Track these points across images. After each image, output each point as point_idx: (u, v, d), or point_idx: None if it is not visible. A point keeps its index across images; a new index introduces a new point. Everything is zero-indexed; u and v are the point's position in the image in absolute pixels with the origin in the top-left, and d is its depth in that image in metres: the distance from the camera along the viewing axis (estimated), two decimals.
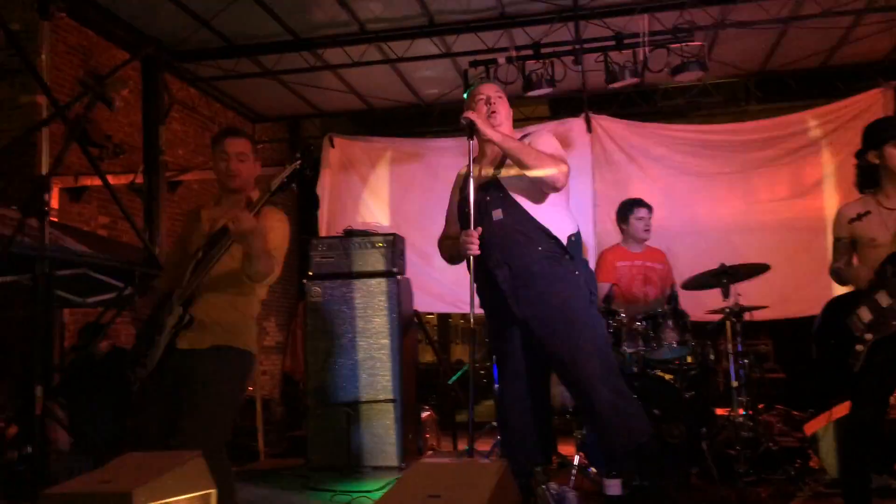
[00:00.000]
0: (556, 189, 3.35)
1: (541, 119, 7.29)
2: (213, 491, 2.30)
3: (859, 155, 3.30)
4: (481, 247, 3.38)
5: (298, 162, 2.93)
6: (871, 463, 3.26)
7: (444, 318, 10.99)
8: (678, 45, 5.48)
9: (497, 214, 3.39)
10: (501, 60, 5.74)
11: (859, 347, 3.19)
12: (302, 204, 8.11)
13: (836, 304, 3.37)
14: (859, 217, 3.26)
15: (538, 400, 3.49)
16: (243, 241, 2.84)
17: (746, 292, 5.16)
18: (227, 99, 7.12)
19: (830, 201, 6.28)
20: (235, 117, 7.46)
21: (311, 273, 5.74)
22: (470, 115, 3.36)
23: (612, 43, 5.58)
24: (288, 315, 8.06)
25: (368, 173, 7.09)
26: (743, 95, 7.44)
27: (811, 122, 6.41)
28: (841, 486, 3.28)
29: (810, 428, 4.88)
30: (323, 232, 6.95)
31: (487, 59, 5.83)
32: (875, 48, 6.16)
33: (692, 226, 6.40)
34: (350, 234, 5.76)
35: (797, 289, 6.18)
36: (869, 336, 3.17)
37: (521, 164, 3.30)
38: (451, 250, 3.63)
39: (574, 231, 3.45)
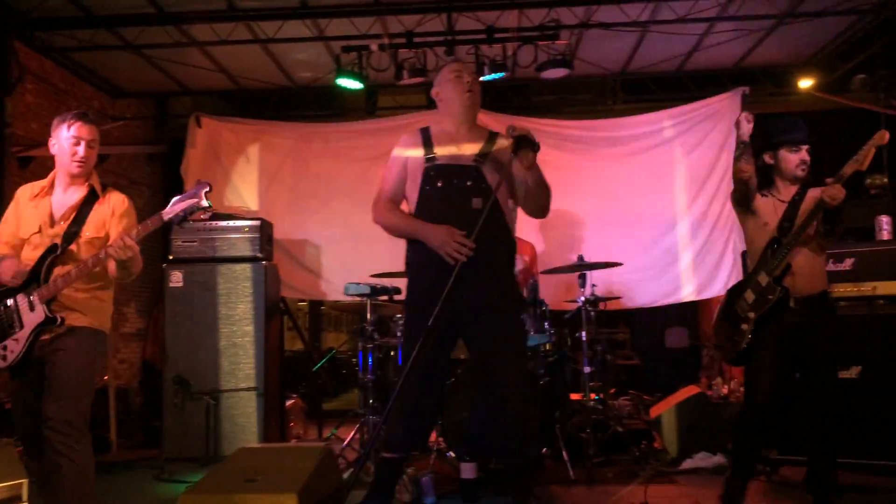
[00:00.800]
0: (542, 217, 3.58)
1: (416, 108, 7.31)
2: (24, 481, 2.22)
3: (756, 155, 3.50)
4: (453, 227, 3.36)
5: (195, 200, 2.99)
6: (765, 439, 3.52)
7: (315, 305, 10.84)
8: (545, 42, 5.65)
9: (476, 203, 3.34)
10: (374, 47, 5.73)
11: (744, 326, 3.43)
12: (165, 185, 7.80)
13: (732, 291, 3.62)
14: (763, 195, 3.51)
15: (437, 390, 3.47)
16: (123, 263, 3.02)
17: (603, 282, 5.43)
18: (85, 72, 6.72)
19: (680, 197, 6.65)
20: (94, 92, 7.06)
21: (171, 257, 5.55)
22: (524, 129, 3.19)
23: (484, 36, 5.67)
24: (149, 301, 7.74)
25: (237, 156, 6.90)
26: (610, 94, 7.76)
27: (666, 121, 6.76)
28: (731, 458, 3.53)
29: (655, 411, 5.20)
30: None
31: (360, 44, 5.79)
32: (725, 56, 6.57)
33: (554, 218, 6.62)
34: (215, 217, 5.60)
35: (648, 280, 6.53)
36: (752, 314, 3.41)
37: (537, 196, 3.39)
38: (394, 220, 3.49)
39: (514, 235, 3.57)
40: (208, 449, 5.15)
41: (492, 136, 3.49)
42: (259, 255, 5.51)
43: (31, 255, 3.12)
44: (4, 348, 3.05)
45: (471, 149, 3.42)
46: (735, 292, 3.58)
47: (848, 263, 4.31)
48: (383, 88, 7.49)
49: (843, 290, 4.30)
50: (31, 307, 3.04)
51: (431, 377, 3.33)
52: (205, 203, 3.00)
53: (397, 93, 7.56)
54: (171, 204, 3.02)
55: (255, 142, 6.93)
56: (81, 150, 3.12)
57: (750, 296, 3.45)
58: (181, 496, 2.47)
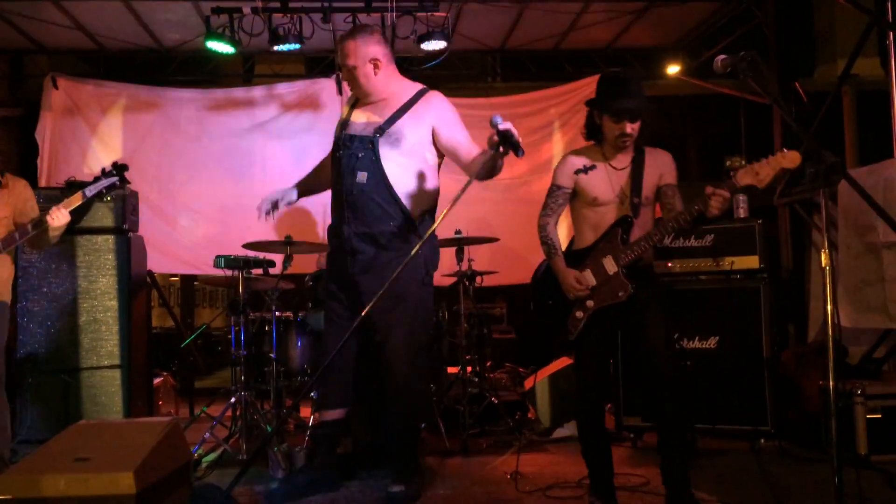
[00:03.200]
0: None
1: (294, 77, 7.09)
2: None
3: (588, 106, 3.16)
4: (337, 201, 3.55)
5: (116, 179, 3.37)
6: (602, 425, 3.19)
7: (188, 280, 10.42)
8: (424, 13, 5.59)
9: (361, 178, 3.43)
10: (246, 10, 5.48)
11: (579, 314, 3.08)
12: (21, 150, 7.23)
13: (546, 268, 3.25)
14: (585, 170, 3.13)
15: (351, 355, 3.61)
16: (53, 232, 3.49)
17: (481, 258, 5.48)
18: None
19: None
20: None
21: None
22: (511, 128, 3.09)
23: (362, 4, 5.55)
24: None
25: (98, 120, 6.48)
26: (491, 72, 7.80)
27: (546, 101, 6.91)
28: (581, 452, 3.23)
29: (529, 382, 5.32)
30: (43, 182, 6.26)
31: (232, 6, 5.52)
32: (598, 37, 6.74)
33: None
34: (73, 185, 5.20)
35: (525, 257, 6.66)
36: (591, 303, 3.06)
37: (488, 174, 3.34)
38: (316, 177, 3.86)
39: (428, 207, 3.55)
40: None
41: (402, 109, 3.51)
42: (124, 226, 5.19)
43: None
44: None
45: (374, 117, 3.51)
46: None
47: (708, 240, 4.53)
48: (260, 55, 7.22)
49: (703, 265, 4.54)
50: None
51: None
52: (115, 180, 3.37)
53: (275, 61, 7.30)
54: (92, 183, 3.40)
55: (119, 106, 6.56)
56: None
57: (589, 278, 3.06)
58: (2, 476, 2.28)
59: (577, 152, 3.23)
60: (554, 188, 3.23)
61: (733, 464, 4.05)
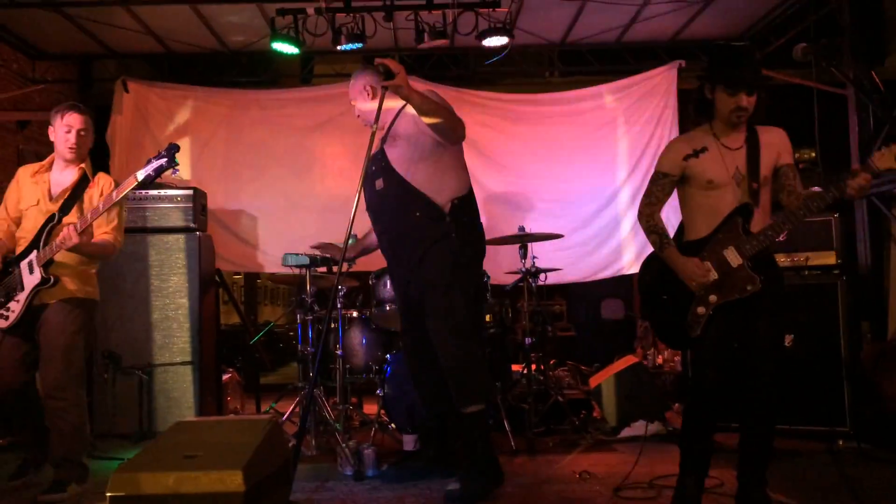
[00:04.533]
0: (461, 139, 3.51)
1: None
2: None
3: (700, 80, 2.98)
4: (371, 214, 3.72)
5: (164, 160, 3.41)
6: (713, 427, 3.01)
7: (251, 278, 10.60)
8: (485, 10, 5.56)
9: (379, 184, 3.58)
10: (310, 11, 5.53)
11: (700, 310, 2.88)
12: (92, 153, 7.43)
13: (653, 262, 3.09)
14: (696, 153, 2.92)
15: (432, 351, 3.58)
16: (75, 251, 3.51)
17: (544, 255, 5.44)
18: (2, 31, 6.32)
19: (620, 171, 6.73)
20: (12, 53, 6.65)
21: None
22: (391, 62, 3.20)
23: (423, 2, 5.55)
24: None
25: (167, 122, 6.64)
26: (548, 66, 7.73)
27: (607, 96, 6.81)
28: (679, 451, 3.05)
29: (594, 381, 5.26)
30: None
31: (296, 7, 5.58)
32: (662, 29, 6.59)
33: (497, 191, 6.62)
34: (144, 186, 5.35)
35: (588, 253, 6.61)
36: (714, 298, 2.87)
37: (432, 121, 3.32)
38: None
39: (460, 194, 3.55)
40: (141, 425, 5.01)
41: (397, 113, 3.61)
42: (192, 224, 5.32)
43: (28, 227, 3.63)
44: (8, 310, 3.54)
45: (382, 132, 3.64)
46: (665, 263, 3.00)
47: (783, 235, 4.40)
48: (319, 55, 7.30)
49: (778, 260, 4.40)
50: (31, 270, 3.52)
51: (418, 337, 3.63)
52: (164, 161, 3.39)
53: (334, 60, 7.37)
54: (145, 165, 3.41)
55: (186, 108, 6.69)
56: (75, 138, 3.66)
57: (710, 272, 2.89)
58: (113, 474, 2.33)
59: (683, 137, 3.05)
60: (659, 175, 3.01)
61: (811, 465, 3.93)
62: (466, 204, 3.58)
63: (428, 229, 3.46)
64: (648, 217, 3.01)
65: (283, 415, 4.71)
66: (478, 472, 3.42)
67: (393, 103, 3.51)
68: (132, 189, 3.43)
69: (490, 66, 6.45)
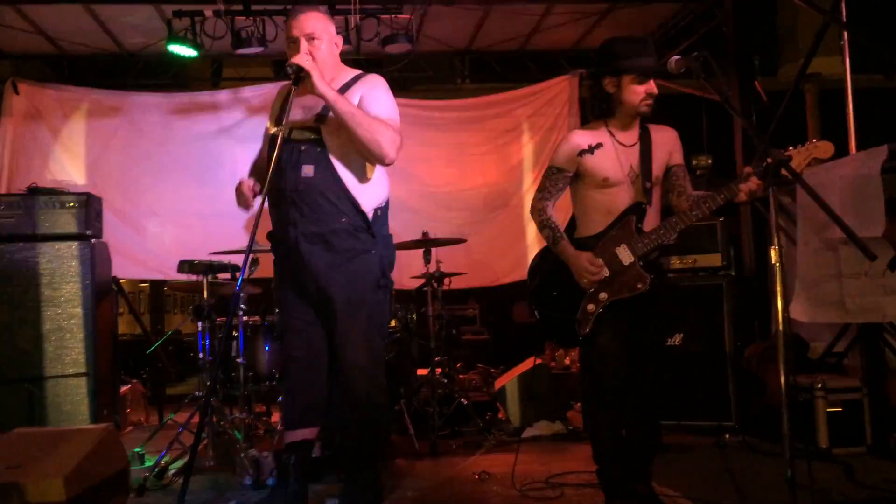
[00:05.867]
0: (384, 164, 3.13)
1: (261, 80, 7.04)
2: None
3: (594, 78, 2.95)
4: (279, 201, 3.15)
5: None
6: (622, 422, 2.95)
7: (157, 286, 10.30)
8: (388, 16, 5.59)
9: (307, 171, 3.09)
10: (209, 13, 5.44)
11: (591, 307, 2.85)
12: None
13: (547, 256, 3.05)
14: (591, 150, 2.88)
15: (320, 363, 3.29)
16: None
17: (450, 260, 5.50)
18: None
19: (527, 179, 6.88)
20: None
21: None
22: (301, 61, 2.95)
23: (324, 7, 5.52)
24: None
25: (60, 126, 6.40)
26: (459, 73, 7.83)
27: (513, 103, 6.95)
28: (593, 457, 3.04)
29: (499, 383, 5.35)
30: (2, 189, 6.16)
31: (193, 9, 5.48)
32: (563, 38, 6.78)
33: (401, 197, 6.64)
34: (35, 191, 5.14)
35: (493, 259, 6.73)
36: (604, 295, 2.85)
37: (354, 134, 2.99)
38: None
39: (382, 204, 3.23)
40: None
41: (340, 91, 3.15)
42: (87, 231, 5.13)
43: None
44: None
45: (315, 108, 3.15)
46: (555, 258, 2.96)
47: (674, 236, 4.58)
48: (227, 58, 7.18)
49: (671, 262, 4.59)
50: None
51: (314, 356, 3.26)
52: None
53: (242, 64, 7.27)
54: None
55: (82, 111, 6.47)
56: None
57: (600, 269, 2.85)
58: None
59: (579, 132, 2.99)
60: (553, 170, 2.97)
61: (698, 459, 4.10)
62: (385, 215, 3.29)
63: (349, 240, 3.13)
64: (541, 211, 2.98)
65: (180, 425, 4.59)
66: (359, 488, 3.22)
67: (342, 76, 3.21)
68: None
69: (400, 72, 6.47)
